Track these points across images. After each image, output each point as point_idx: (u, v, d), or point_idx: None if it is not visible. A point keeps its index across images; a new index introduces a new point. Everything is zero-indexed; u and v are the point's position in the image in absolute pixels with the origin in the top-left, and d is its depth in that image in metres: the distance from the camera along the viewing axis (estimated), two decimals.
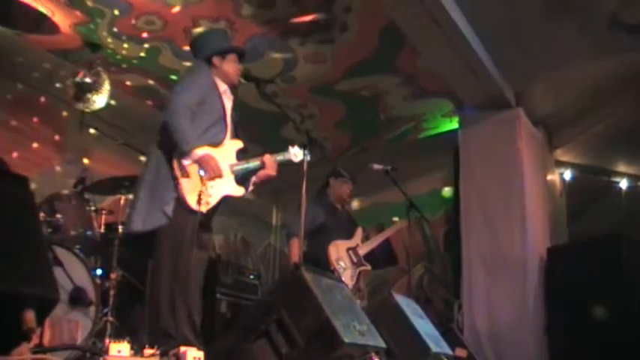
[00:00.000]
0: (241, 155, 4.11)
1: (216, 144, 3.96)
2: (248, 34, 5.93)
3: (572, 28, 5.65)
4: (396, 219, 6.62)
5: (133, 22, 5.83)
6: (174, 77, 6.65)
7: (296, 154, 4.14)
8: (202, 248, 3.99)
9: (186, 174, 3.80)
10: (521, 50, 5.97)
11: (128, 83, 6.93)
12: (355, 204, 7.22)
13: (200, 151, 3.82)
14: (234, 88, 4.20)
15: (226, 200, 4.01)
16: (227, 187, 3.96)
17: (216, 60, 4.12)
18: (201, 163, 3.81)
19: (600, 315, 5.52)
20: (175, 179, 3.79)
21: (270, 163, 4.09)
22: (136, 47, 6.25)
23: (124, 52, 6.32)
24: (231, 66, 4.14)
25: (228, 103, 4.13)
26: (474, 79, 6.15)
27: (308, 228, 5.49)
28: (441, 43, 5.58)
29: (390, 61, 6.38)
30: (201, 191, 3.69)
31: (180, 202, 3.76)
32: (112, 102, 6.43)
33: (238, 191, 4.04)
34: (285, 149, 4.15)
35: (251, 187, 4.17)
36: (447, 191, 7.10)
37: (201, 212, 3.73)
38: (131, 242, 4.01)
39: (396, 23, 5.51)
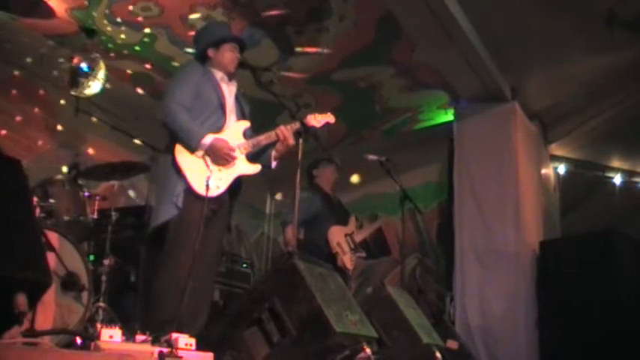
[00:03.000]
0: (249, 134, 4.12)
1: (217, 130, 3.97)
2: (245, 22, 5.91)
3: (569, 24, 5.66)
4: (381, 214, 6.66)
5: (130, 7, 5.80)
6: (171, 64, 6.64)
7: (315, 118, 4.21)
8: (216, 234, 4.02)
9: (191, 163, 3.82)
10: (518, 44, 5.98)
11: (124, 69, 6.90)
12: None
13: (208, 139, 3.85)
14: (231, 76, 4.21)
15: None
16: (239, 167, 3.99)
17: (210, 51, 4.17)
18: (212, 151, 3.85)
19: None
20: (180, 170, 3.81)
21: (283, 133, 4.09)
22: (132, 33, 6.22)
23: (120, 38, 6.29)
24: (225, 55, 4.16)
25: (227, 88, 4.15)
26: (470, 71, 6.15)
27: (304, 216, 5.54)
28: (437, 34, 5.58)
29: (386, 52, 6.37)
30: (208, 177, 3.71)
31: (190, 191, 3.79)
32: (108, 88, 6.40)
33: (252, 169, 4.06)
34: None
35: (274, 162, 4.21)
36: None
37: (212, 197, 3.76)
38: (152, 240, 4.03)
39: (392, 14, 5.50)
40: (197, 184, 3.78)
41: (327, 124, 4.27)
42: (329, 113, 4.33)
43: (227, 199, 4.04)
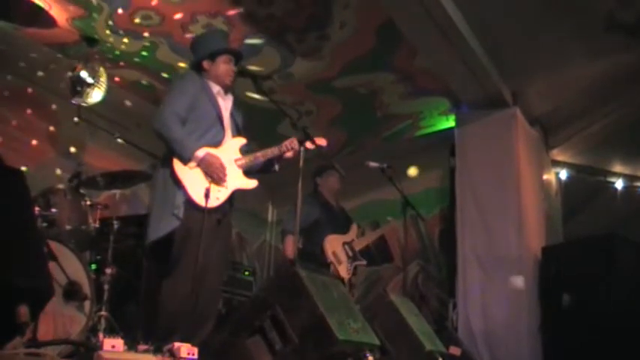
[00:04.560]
0: (245, 150, 4.15)
1: (216, 145, 3.99)
2: (246, 30, 5.92)
3: (570, 29, 5.66)
4: (390, 218, 6.63)
5: (131, 16, 5.81)
6: (172, 72, 6.65)
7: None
8: (221, 244, 4.02)
9: (189, 175, 3.83)
10: (518, 50, 5.98)
11: (125, 78, 6.91)
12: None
13: (201, 152, 3.87)
14: (227, 89, 4.21)
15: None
16: (236, 181, 4.03)
17: (206, 64, 4.18)
18: (203, 166, 3.86)
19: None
20: (180, 182, 3.81)
21: (292, 144, 4.18)
22: (133, 42, 6.23)
23: (121, 47, 6.30)
24: (220, 68, 4.16)
25: (224, 102, 4.17)
26: (471, 77, 6.15)
27: (302, 225, 5.54)
28: (438, 41, 5.58)
29: (387, 59, 6.37)
30: (208, 188, 3.72)
31: (190, 203, 3.80)
32: (109, 97, 6.41)
33: (249, 184, 4.10)
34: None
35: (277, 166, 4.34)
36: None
37: (212, 208, 3.78)
38: (151, 252, 4.05)
39: (393, 21, 5.51)
40: (197, 195, 3.80)
41: (320, 147, 4.26)
42: (322, 138, 4.36)
43: (229, 210, 4.05)
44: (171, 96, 4.03)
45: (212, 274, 3.88)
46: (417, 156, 7.77)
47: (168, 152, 3.94)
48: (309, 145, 4.17)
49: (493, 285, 6.19)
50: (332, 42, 6.12)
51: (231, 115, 4.22)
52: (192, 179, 3.85)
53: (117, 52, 6.41)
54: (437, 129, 7.87)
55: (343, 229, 5.95)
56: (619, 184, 7.99)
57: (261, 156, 4.16)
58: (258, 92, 4.33)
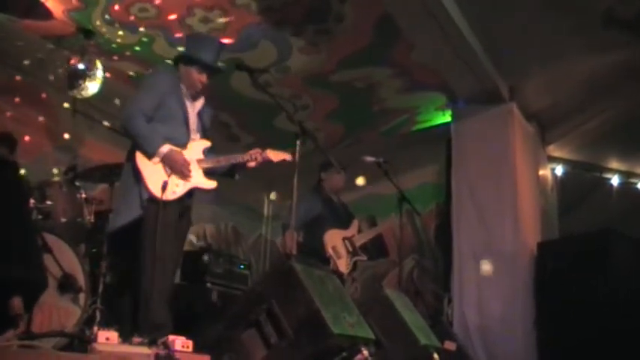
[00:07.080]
0: (208, 153, 4.21)
1: (180, 146, 4.06)
2: (243, 23, 5.90)
3: (568, 24, 5.65)
4: (393, 214, 6.64)
5: (127, 9, 5.79)
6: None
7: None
8: (177, 238, 4.04)
9: (150, 168, 3.89)
10: (516, 45, 5.97)
11: (122, 71, 6.88)
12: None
13: (165, 149, 3.94)
14: (196, 94, 4.25)
15: (196, 192, 4.14)
16: (196, 179, 4.07)
17: (181, 66, 4.25)
18: (167, 161, 3.94)
19: None
20: (140, 174, 3.89)
21: (254, 155, 4.23)
22: (129, 35, 6.20)
23: (118, 39, 6.27)
24: (191, 75, 4.20)
25: (193, 103, 4.25)
26: (468, 72, 6.15)
27: (303, 220, 5.56)
28: (436, 36, 5.57)
29: (384, 53, 6.35)
30: (165, 181, 3.77)
31: (149, 195, 3.86)
32: (105, 89, 6.39)
33: (208, 184, 4.14)
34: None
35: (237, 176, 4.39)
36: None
37: (168, 201, 3.83)
38: (118, 238, 4.10)
39: (391, 15, 5.50)
40: (154, 187, 3.86)
41: (284, 160, 4.28)
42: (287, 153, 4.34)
43: (191, 205, 4.13)
44: (140, 93, 4.11)
45: (168, 263, 3.90)
46: (414, 151, 7.76)
47: (133, 147, 4.00)
48: (272, 155, 4.23)
49: (489, 280, 6.20)
50: (329, 36, 6.10)
51: (199, 115, 4.27)
52: (152, 172, 3.90)
53: (114, 45, 6.38)
54: (433, 124, 7.87)
55: (344, 224, 5.96)
56: (615, 180, 8.01)
57: (224, 160, 4.23)
58: (254, 86, 4.30)
